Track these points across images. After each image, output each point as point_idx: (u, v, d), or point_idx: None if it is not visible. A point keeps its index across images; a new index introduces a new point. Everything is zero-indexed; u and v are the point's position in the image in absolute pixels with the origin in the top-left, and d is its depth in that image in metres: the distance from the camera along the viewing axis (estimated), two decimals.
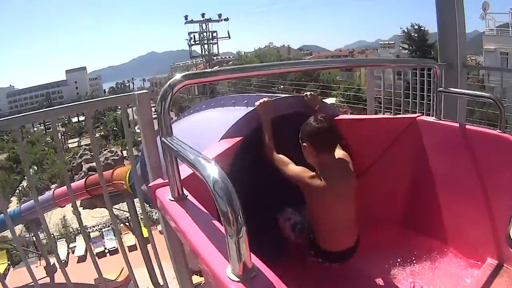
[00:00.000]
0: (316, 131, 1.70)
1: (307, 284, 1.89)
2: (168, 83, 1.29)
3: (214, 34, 25.25)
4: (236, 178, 0.92)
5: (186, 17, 24.41)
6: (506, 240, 1.82)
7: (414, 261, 1.99)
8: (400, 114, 3.49)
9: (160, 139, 1.14)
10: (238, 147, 1.85)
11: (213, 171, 0.81)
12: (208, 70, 1.43)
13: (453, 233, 2.03)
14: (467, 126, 1.92)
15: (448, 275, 1.91)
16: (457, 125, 1.94)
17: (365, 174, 2.18)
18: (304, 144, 1.75)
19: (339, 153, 1.83)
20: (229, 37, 25.71)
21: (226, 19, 25.31)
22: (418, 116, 2.14)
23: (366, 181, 2.05)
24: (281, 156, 1.83)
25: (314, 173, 1.71)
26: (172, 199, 1.18)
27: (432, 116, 2.12)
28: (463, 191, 1.94)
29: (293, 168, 1.76)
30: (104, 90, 66.94)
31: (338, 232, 1.77)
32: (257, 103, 1.97)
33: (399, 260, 2.00)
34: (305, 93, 2.19)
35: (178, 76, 1.35)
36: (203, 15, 24.71)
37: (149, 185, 1.35)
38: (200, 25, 24.86)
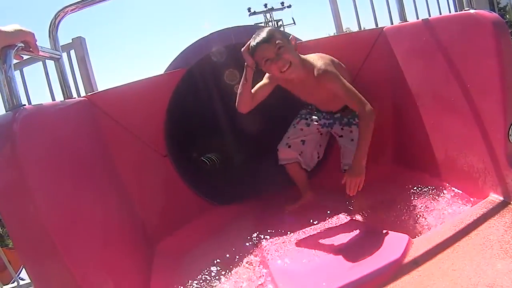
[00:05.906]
0: None
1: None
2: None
3: (280, 23, 25.03)
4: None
5: (249, 9, 24.69)
6: (507, 160, 1.34)
7: (406, 198, 1.64)
8: None
9: None
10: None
11: None
12: None
13: (446, 164, 1.60)
14: (432, 18, 1.46)
15: (442, 212, 1.52)
16: (422, 21, 1.48)
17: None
18: None
19: None
20: (294, 23, 25.20)
21: (289, 6, 24.83)
22: (385, 26, 1.73)
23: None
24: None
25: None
26: None
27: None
28: (447, 106, 1.50)
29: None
30: None
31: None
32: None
33: (390, 196, 1.70)
34: None
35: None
36: (265, 5, 24.66)
37: None
38: (264, 15, 24.89)
